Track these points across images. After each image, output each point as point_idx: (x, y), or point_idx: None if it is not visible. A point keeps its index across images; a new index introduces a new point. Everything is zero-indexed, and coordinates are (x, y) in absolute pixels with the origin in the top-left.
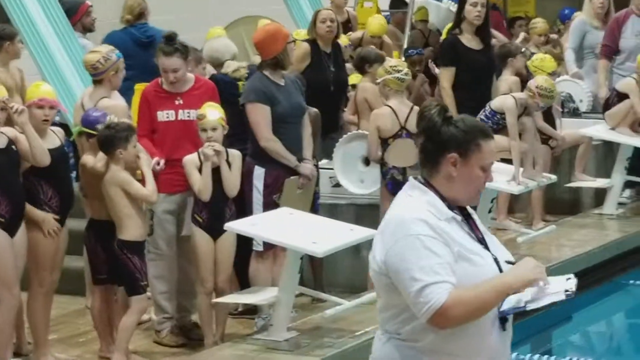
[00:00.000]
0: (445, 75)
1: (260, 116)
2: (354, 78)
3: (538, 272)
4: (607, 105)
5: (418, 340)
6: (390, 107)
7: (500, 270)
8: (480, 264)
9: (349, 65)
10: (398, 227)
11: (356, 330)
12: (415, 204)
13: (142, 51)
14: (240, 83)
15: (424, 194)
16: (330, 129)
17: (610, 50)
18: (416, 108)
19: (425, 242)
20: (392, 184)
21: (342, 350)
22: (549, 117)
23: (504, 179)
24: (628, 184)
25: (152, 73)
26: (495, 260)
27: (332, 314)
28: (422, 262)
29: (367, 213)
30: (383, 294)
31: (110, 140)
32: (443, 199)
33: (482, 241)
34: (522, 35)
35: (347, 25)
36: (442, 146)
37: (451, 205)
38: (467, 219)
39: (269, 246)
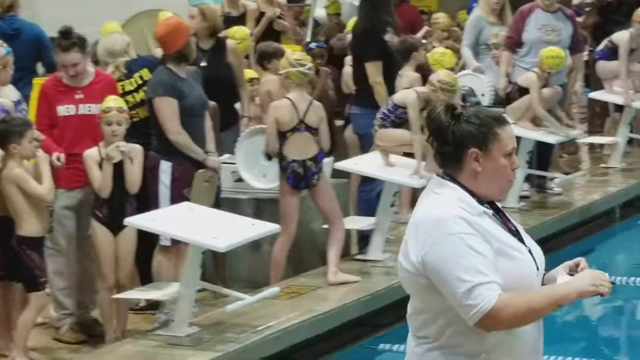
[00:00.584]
0: (375, 69)
1: (169, 110)
2: (249, 73)
3: (598, 283)
4: (509, 99)
5: (460, 344)
6: (289, 99)
7: (537, 265)
8: (520, 259)
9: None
10: (436, 226)
11: (258, 325)
12: (447, 202)
13: (7, 43)
14: (119, 84)
15: (453, 191)
16: None
17: (514, 43)
18: (316, 103)
19: (467, 240)
20: (293, 178)
21: (244, 345)
22: None
23: (406, 172)
24: (527, 178)
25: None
26: (529, 252)
27: (234, 309)
28: (467, 262)
29: (269, 207)
30: (419, 296)
31: (4, 134)
32: (472, 194)
33: (516, 234)
34: (424, 29)
35: (244, 19)
36: (460, 145)
37: (481, 200)
38: (498, 212)
39: (175, 241)
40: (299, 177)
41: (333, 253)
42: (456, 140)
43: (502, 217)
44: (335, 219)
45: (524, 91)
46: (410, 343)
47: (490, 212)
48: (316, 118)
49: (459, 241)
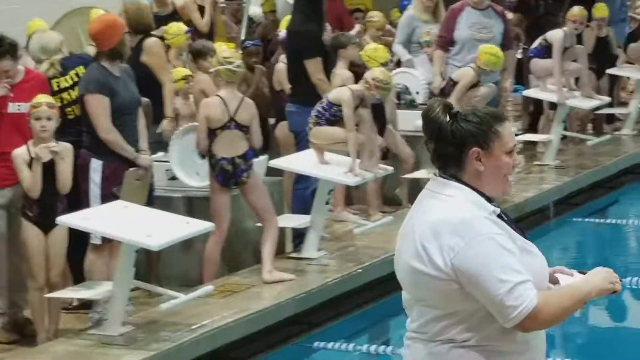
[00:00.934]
0: (315, 67)
1: (100, 107)
2: (182, 71)
3: (613, 281)
4: (443, 94)
5: (495, 345)
6: (220, 97)
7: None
8: (538, 256)
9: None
10: (463, 228)
11: (192, 323)
12: (463, 203)
13: None
14: (54, 81)
15: (462, 192)
16: None
17: (446, 41)
18: (247, 100)
19: (498, 240)
20: (222, 176)
21: (178, 344)
22: (378, 111)
23: (340, 170)
24: None
25: None
26: None
27: (168, 308)
28: (503, 262)
29: (203, 205)
30: (443, 302)
31: None
32: (481, 194)
33: (522, 231)
34: (357, 27)
35: (175, 16)
36: (461, 144)
37: (489, 199)
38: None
39: (106, 240)
40: (227, 175)
41: (267, 251)
42: (456, 140)
43: (503, 214)
44: (267, 216)
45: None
46: (420, 348)
47: (499, 210)
48: (247, 116)
49: (491, 241)
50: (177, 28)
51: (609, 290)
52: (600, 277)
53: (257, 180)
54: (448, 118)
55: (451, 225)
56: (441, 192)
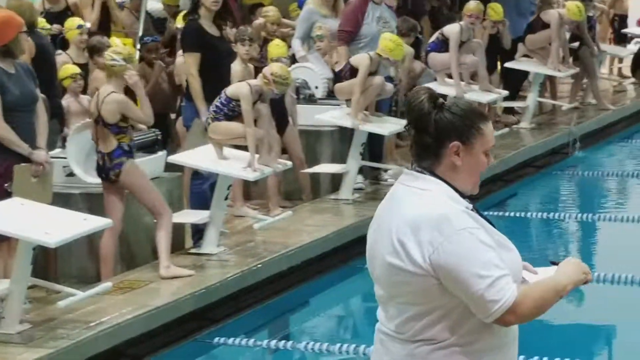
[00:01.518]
0: (191, 61)
1: None
2: (70, 69)
3: (586, 272)
4: (339, 79)
5: (476, 341)
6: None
7: None
8: (514, 250)
9: None
10: (441, 223)
11: (91, 321)
12: (440, 197)
13: None
14: None
15: (438, 186)
16: None
17: (351, 36)
18: (112, 96)
19: (477, 235)
20: (97, 170)
21: (76, 341)
22: (277, 107)
23: (239, 165)
24: (361, 170)
25: None
26: None
27: (66, 305)
28: (482, 257)
29: (101, 202)
30: (423, 299)
31: None
32: (454, 189)
33: (494, 226)
34: (258, 21)
35: (68, 13)
36: (441, 136)
37: (462, 194)
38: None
39: (3, 238)
40: (100, 169)
41: (162, 247)
42: (438, 130)
43: (477, 210)
44: (158, 211)
45: (355, 72)
46: (398, 348)
47: (471, 205)
48: (109, 113)
49: (470, 236)
50: (70, 23)
51: (582, 281)
52: (575, 269)
53: (131, 179)
54: (432, 108)
55: (429, 221)
56: (417, 186)
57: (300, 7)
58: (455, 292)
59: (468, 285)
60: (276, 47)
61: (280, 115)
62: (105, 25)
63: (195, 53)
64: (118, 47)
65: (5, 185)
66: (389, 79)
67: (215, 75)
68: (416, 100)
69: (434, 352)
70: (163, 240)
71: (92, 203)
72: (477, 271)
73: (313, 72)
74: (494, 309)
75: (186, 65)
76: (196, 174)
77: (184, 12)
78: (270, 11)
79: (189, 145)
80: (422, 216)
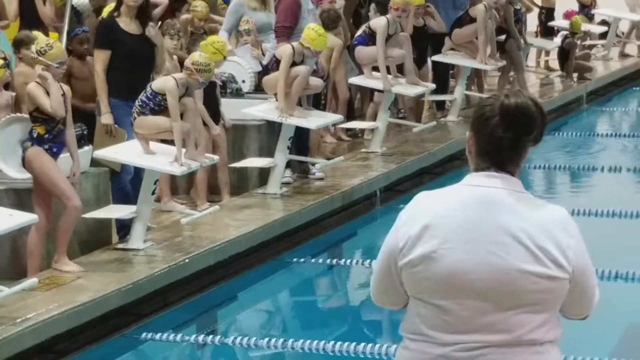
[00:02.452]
0: (99, 58)
1: None
2: None
3: None
4: (266, 72)
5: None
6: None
7: None
8: None
9: None
10: (568, 225)
11: (17, 317)
12: (543, 200)
13: None
14: None
15: (526, 190)
16: None
17: (291, 32)
18: (65, 87)
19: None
20: None
21: (2, 338)
22: (211, 99)
23: (166, 160)
24: (289, 164)
25: None
26: None
27: None
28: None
29: (28, 198)
30: (558, 301)
31: None
32: None
33: None
34: (185, 16)
35: None
36: (538, 140)
37: None
38: None
39: None
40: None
41: (58, 238)
42: (539, 135)
43: None
44: (65, 201)
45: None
46: (517, 352)
47: None
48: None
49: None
50: None
51: None
52: None
53: (34, 165)
54: (540, 114)
55: (558, 223)
56: (513, 188)
57: (227, 1)
58: (575, 292)
59: (592, 284)
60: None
61: (214, 112)
62: (31, 19)
63: (105, 50)
64: (48, 40)
65: None
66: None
67: (129, 72)
68: (525, 105)
69: (553, 350)
70: (60, 231)
71: (18, 199)
72: (593, 269)
73: (240, 66)
74: (593, 307)
75: (94, 61)
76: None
77: (110, 5)
78: (199, 7)
79: (97, 145)
80: (551, 220)
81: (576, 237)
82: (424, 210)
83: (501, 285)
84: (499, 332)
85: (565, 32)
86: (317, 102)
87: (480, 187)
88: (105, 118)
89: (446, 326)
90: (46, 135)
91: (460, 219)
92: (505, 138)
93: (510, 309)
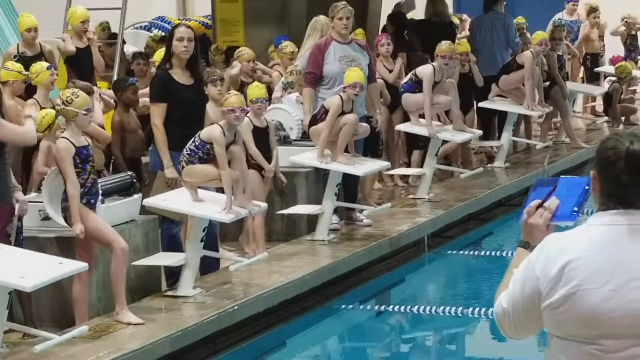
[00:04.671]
0: (157, 112)
1: None
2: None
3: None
4: (315, 122)
5: None
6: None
7: None
8: None
9: None
10: None
11: None
12: None
13: None
14: None
15: None
16: None
17: (315, 78)
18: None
19: None
20: None
21: None
22: (265, 144)
23: (214, 207)
24: (336, 210)
25: None
26: None
27: (42, 350)
28: None
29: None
30: None
31: None
32: None
33: None
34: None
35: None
36: None
37: None
38: None
39: None
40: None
41: (115, 286)
42: None
43: None
44: (111, 246)
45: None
46: None
47: None
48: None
49: None
50: (37, 67)
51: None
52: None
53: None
54: None
55: None
56: None
57: (277, 47)
58: None
59: None
60: (255, 88)
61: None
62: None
63: (161, 103)
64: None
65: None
66: (366, 119)
67: (185, 123)
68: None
69: None
70: (114, 278)
71: (66, 247)
72: None
73: (287, 114)
74: None
75: (151, 115)
76: (166, 218)
77: (160, 50)
78: (244, 51)
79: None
80: None
81: None
82: (560, 252)
83: None
84: None
85: (612, 78)
86: (375, 148)
87: (611, 225)
88: (170, 172)
89: None
90: (81, 190)
91: (597, 259)
92: (630, 185)
93: None
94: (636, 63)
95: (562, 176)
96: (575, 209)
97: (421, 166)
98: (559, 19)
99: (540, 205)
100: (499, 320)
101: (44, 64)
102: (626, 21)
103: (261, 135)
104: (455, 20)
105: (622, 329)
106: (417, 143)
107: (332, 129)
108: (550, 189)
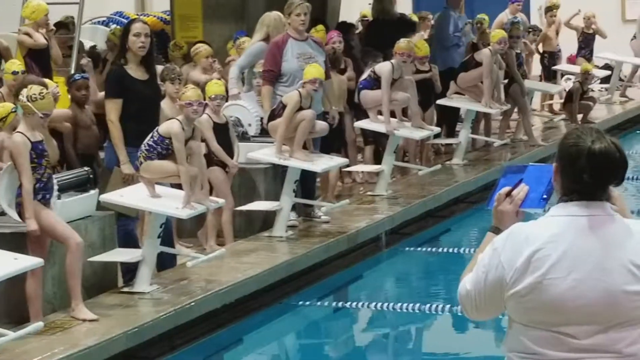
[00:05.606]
0: (112, 107)
1: None
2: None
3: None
4: (273, 118)
5: None
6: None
7: None
8: None
9: None
10: None
11: None
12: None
13: None
14: None
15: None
16: None
17: (274, 76)
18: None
19: None
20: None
21: None
22: (226, 140)
23: (172, 203)
24: (294, 207)
25: None
26: None
27: None
28: None
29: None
30: None
31: None
32: None
33: None
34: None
35: None
36: (621, 180)
37: None
38: None
39: None
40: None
41: (69, 282)
42: (622, 178)
43: None
44: (66, 242)
45: None
46: None
47: None
48: None
49: None
50: (10, 65)
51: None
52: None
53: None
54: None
55: None
56: (607, 213)
57: (235, 42)
58: None
59: None
60: (214, 84)
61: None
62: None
63: (117, 99)
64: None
65: None
66: (323, 115)
67: (141, 119)
68: (610, 152)
69: None
70: (69, 274)
71: (23, 242)
72: None
73: (246, 110)
74: None
75: (107, 111)
76: (122, 214)
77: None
78: (201, 47)
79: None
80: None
81: None
82: (525, 242)
83: (608, 308)
84: (606, 351)
85: (570, 77)
86: (330, 146)
87: (572, 216)
88: (127, 168)
89: (558, 345)
90: (36, 185)
91: (561, 249)
92: (591, 183)
93: (615, 327)
94: (588, 61)
95: (530, 163)
96: (545, 196)
97: (374, 162)
98: (515, 16)
99: (509, 193)
100: (462, 301)
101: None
102: (587, 17)
103: (221, 131)
104: (415, 18)
105: (587, 317)
106: (367, 139)
107: (289, 125)
108: (519, 176)
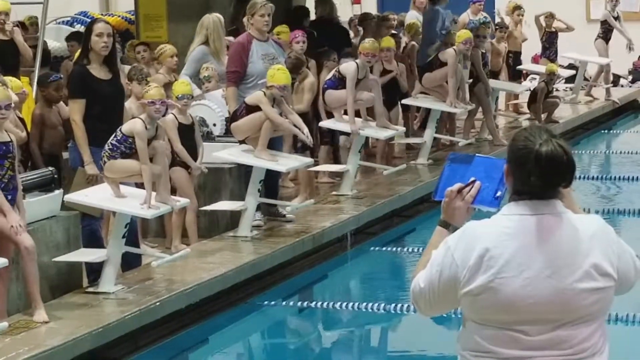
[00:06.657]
0: (76, 108)
1: None
2: None
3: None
4: (235, 117)
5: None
6: None
7: None
8: None
9: None
10: (607, 231)
11: None
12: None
13: None
14: None
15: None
16: None
17: (239, 77)
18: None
19: None
20: None
21: None
22: (190, 141)
23: (136, 203)
24: (259, 207)
25: None
26: None
27: None
28: None
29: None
30: (606, 310)
31: None
32: None
33: None
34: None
35: None
36: (569, 182)
37: None
38: None
39: None
40: None
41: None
42: (570, 180)
43: None
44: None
45: (251, 110)
46: None
47: None
48: None
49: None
50: None
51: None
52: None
53: None
54: (570, 161)
55: (602, 233)
56: (558, 211)
57: None
58: (622, 285)
59: (632, 276)
60: (181, 84)
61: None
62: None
63: (80, 99)
64: None
65: None
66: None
67: (104, 119)
68: (558, 155)
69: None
70: (24, 277)
71: None
72: (631, 253)
73: (211, 110)
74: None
75: (70, 111)
76: (86, 214)
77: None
78: (165, 47)
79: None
80: (592, 232)
81: (616, 240)
82: (478, 241)
83: (559, 306)
84: (559, 348)
85: (534, 76)
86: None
87: (523, 215)
88: (91, 168)
89: (511, 343)
90: None
91: (513, 248)
92: (539, 185)
93: (566, 325)
94: (552, 61)
95: (477, 154)
96: (498, 194)
97: (330, 161)
98: (485, 16)
99: (461, 190)
100: (415, 298)
101: None
102: (551, 15)
103: (187, 132)
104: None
105: (540, 315)
106: (322, 139)
107: (256, 124)
108: (465, 167)
